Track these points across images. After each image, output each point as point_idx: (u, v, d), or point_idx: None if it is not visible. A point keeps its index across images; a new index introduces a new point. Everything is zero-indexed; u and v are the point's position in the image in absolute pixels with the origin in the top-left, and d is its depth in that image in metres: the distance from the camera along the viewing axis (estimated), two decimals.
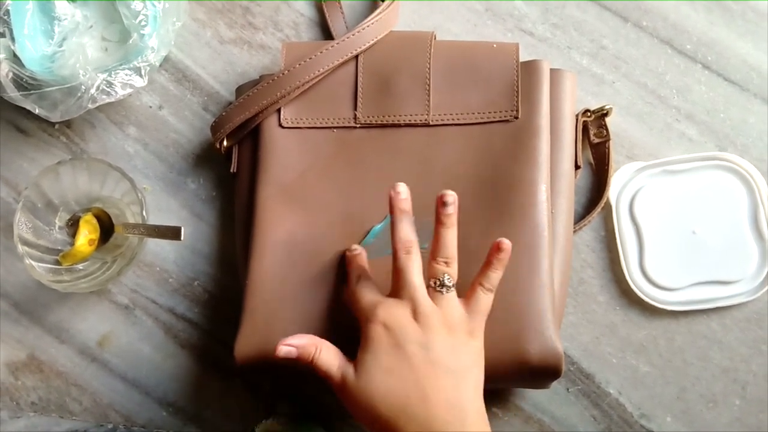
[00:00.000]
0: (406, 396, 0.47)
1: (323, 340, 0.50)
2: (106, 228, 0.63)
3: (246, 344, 0.54)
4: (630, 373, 0.59)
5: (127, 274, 0.63)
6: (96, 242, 0.62)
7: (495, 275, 0.50)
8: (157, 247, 0.63)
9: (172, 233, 0.57)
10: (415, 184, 0.56)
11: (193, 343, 0.62)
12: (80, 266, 0.62)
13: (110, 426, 0.61)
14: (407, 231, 0.50)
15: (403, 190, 0.51)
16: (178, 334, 0.62)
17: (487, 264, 0.50)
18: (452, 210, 0.50)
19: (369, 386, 0.47)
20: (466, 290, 0.51)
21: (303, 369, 0.50)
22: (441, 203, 0.50)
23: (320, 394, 0.60)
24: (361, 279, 0.52)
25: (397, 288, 0.50)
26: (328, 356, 0.49)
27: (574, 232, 0.59)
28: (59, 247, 0.62)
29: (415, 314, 0.49)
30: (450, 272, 0.50)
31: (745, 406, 0.58)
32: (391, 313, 0.49)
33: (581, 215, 0.61)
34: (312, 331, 0.53)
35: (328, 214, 0.57)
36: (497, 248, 0.50)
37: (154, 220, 0.63)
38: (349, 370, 0.49)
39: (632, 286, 0.59)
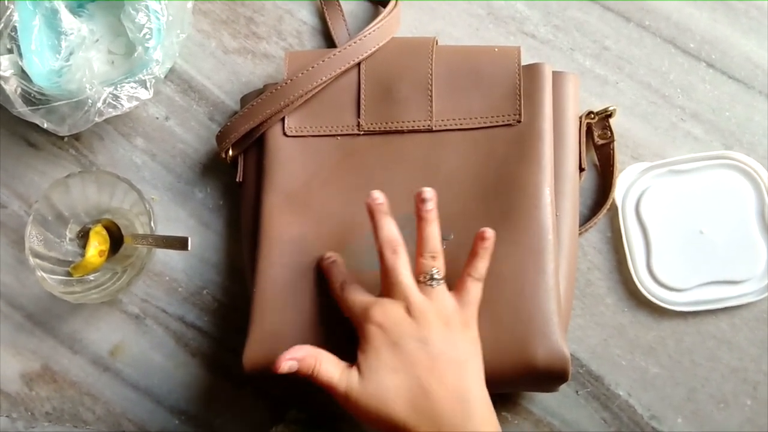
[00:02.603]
0: (413, 393, 0.46)
1: (321, 350, 0.50)
2: (116, 239, 0.63)
3: (254, 352, 0.54)
4: (639, 375, 0.59)
5: (137, 284, 0.63)
6: (106, 253, 0.63)
7: (482, 264, 0.51)
8: (166, 256, 0.64)
9: (180, 244, 0.58)
10: None
11: (203, 352, 0.62)
12: (91, 277, 0.63)
13: None
14: (390, 229, 0.51)
15: (378, 196, 0.51)
16: (188, 342, 0.63)
17: (473, 254, 0.51)
18: (431, 206, 0.51)
19: (379, 389, 0.47)
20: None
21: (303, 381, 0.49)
22: (420, 200, 0.51)
23: (330, 400, 0.61)
24: (345, 284, 0.53)
25: (387, 287, 0.50)
26: (329, 367, 0.49)
27: (580, 234, 0.59)
28: (70, 259, 0.63)
29: (409, 311, 0.49)
30: (437, 266, 0.50)
31: (756, 406, 0.58)
32: (385, 311, 0.49)
33: (587, 217, 0.60)
34: (320, 337, 0.54)
35: (333, 221, 0.57)
36: (481, 237, 0.51)
37: (163, 229, 0.64)
38: (353, 376, 0.48)
39: (640, 288, 0.59)
